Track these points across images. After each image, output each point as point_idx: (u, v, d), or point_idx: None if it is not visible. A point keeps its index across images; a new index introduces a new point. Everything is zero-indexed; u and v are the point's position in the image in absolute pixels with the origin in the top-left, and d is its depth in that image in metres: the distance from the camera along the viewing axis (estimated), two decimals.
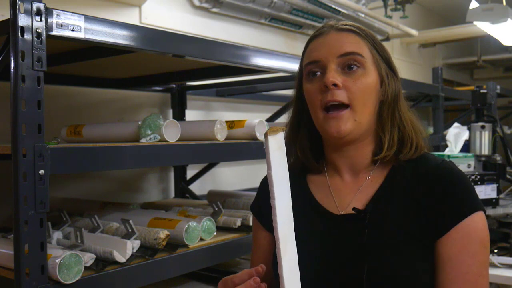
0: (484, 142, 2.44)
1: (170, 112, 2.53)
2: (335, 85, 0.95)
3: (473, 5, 3.43)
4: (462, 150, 2.55)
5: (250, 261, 1.17)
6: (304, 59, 1.04)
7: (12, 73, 1.05)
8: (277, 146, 0.84)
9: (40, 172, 1.07)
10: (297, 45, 3.43)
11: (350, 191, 1.02)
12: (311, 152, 1.07)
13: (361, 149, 1.01)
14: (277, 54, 1.74)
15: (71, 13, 1.12)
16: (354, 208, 0.97)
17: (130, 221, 1.37)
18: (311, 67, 1.00)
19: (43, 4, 1.07)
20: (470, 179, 2.06)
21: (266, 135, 0.83)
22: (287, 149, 1.02)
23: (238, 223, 1.65)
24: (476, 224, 0.92)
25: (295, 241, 0.82)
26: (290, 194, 0.84)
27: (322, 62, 0.98)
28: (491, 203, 2.12)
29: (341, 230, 0.98)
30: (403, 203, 0.96)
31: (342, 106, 0.96)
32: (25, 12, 1.04)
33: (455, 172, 0.97)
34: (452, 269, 0.91)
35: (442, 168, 0.97)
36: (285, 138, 1.11)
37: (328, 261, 0.96)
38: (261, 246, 1.12)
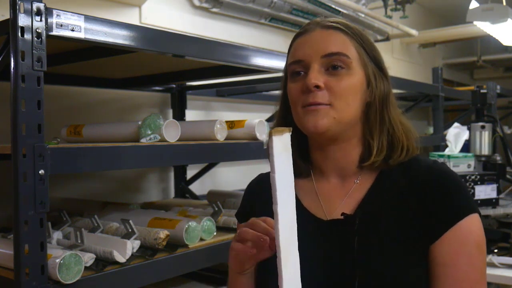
0: (484, 142, 2.45)
1: (170, 112, 2.53)
2: (317, 86, 0.91)
3: (473, 5, 3.43)
4: (462, 150, 2.55)
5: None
6: (289, 58, 0.99)
7: (12, 73, 1.05)
8: (282, 147, 0.76)
9: (40, 172, 1.06)
10: None
11: (338, 195, 0.97)
12: (298, 151, 1.01)
13: (347, 151, 0.97)
14: (277, 54, 1.74)
15: (71, 13, 1.12)
16: (342, 213, 0.93)
17: (130, 221, 1.37)
18: (295, 67, 0.96)
19: (43, 4, 1.07)
20: (470, 179, 2.06)
21: (270, 134, 0.75)
22: None
23: None
24: (471, 226, 0.88)
25: (297, 251, 0.77)
26: (294, 200, 0.78)
27: (305, 61, 0.94)
28: (491, 203, 2.11)
29: (330, 236, 0.94)
30: (394, 207, 0.92)
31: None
32: (25, 12, 1.04)
33: (448, 173, 0.93)
34: (448, 276, 0.87)
35: (434, 170, 0.93)
36: None
37: (318, 268, 0.91)
38: None
